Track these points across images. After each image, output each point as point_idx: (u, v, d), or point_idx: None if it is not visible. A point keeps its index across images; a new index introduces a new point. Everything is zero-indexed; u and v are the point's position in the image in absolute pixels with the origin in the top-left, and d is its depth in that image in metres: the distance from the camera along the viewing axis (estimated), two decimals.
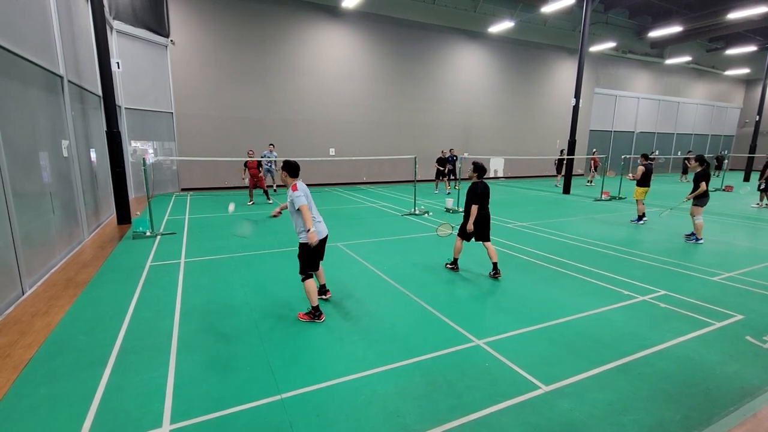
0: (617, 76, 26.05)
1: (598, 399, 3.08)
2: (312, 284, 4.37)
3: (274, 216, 4.87)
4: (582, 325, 4.33)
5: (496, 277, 5.75)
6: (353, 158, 14.88)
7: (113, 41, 11.87)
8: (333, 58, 17.27)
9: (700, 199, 8.01)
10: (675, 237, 8.56)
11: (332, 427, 2.77)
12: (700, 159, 8.13)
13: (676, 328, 4.30)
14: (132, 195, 12.70)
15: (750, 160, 23.80)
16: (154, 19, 13.66)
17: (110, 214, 10.27)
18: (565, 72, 23.53)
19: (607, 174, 15.17)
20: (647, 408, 3.00)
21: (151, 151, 14.35)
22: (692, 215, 8.12)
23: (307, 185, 4.58)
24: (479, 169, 5.73)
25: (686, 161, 22.93)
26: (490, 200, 5.82)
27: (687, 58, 26.65)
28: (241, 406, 2.97)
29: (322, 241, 4.45)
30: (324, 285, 4.94)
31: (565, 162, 16.77)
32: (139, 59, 13.32)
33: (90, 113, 9.24)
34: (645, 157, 10.04)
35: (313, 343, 3.92)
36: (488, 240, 5.86)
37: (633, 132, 27.94)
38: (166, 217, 10.23)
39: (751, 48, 25.05)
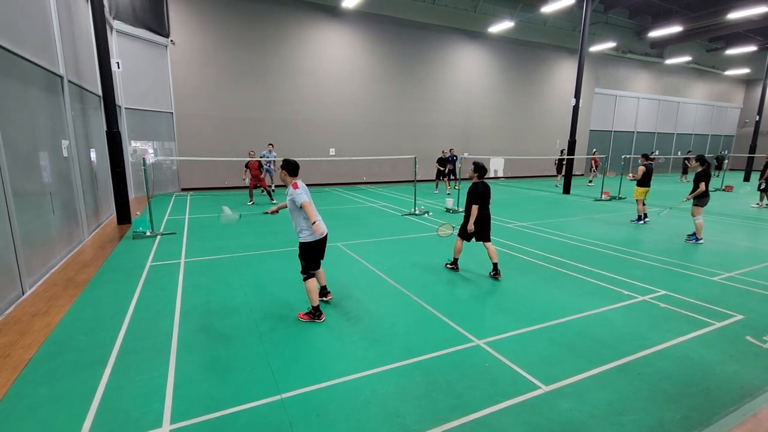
0: (617, 76, 26.05)
1: (598, 399, 3.08)
2: (313, 284, 4.37)
3: (270, 213, 4.80)
4: (582, 325, 4.33)
5: (496, 278, 5.75)
6: (353, 158, 14.89)
7: (113, 41, 11.87)
8: (333, 58, 17.27)
9: (701, 199, 8.00)
10: (675, 237, 8.56)
11: (332, 427, 2.77)
12: (700, 159, 8.13)
13: (676, 328, 4.30)
14: (132, 195, 12.70)
15: (750, 160, 23.81)
16: (154, 19, 13.66)
17: (110, 214, 10.27)
18: (565, 72, 23.53)
19: (606, 174, 15.16)
20: (647, 408, 3.00)
21: (151, 151, 14.35)
22: (693, 215, 8.13)
23: (307, 185, 4.56)
24: (480, 169, 5.72)
25: (686, 161, 22.95)
26: (490, 200, 5.82)
27: (687, 58, 26.66)
28: (241, 406, 2.97)
29: (322, 240, 4.45)
30: (324, 287, 4.92)
31: (565, 162, 16.78)
32: (139, 59, 13.32)
33: (90, 113, 9.24)
34: (646, 157, 10.04)
35: (313, 343, 3.92)
36: (489, 240, 5.86)
37: (633, 132, 27.94)
38: (166, 217, 10.23)
39: (751, 48, 25.05)
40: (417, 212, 11.00)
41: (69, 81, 7.48)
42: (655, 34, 22.18)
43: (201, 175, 15.82)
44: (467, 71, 20.59)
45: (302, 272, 4.39)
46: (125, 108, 12.81)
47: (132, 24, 12.73)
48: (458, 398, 3.07)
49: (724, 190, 17.75)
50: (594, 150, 21.19)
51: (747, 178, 23.55)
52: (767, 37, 25.21)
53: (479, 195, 5.60)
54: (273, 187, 14.82)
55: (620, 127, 27.22)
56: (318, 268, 4.55)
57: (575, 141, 16.08)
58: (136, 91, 13.34)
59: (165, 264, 6.43)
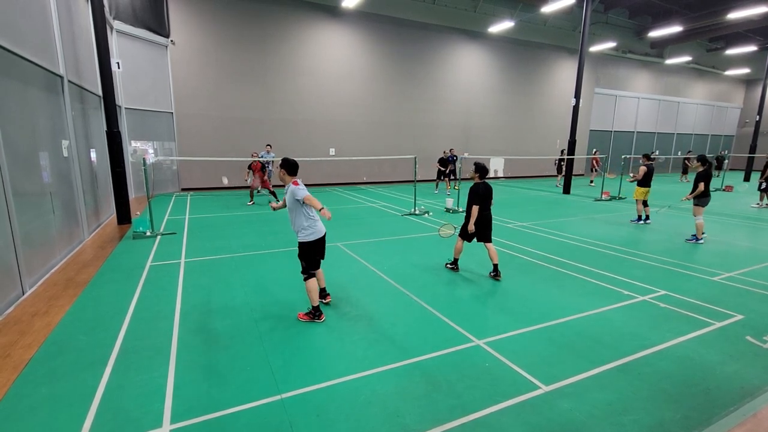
0: (617, 76, 26.05)
1: (598, 399, 3.08)
2: (314, 284, 4.37)
3: (274, 208, 4.75)
4: (582, 325, 4.33)
5: (497, 279, 5.75)
6: (353, 158, 14.88)
7: (113, 41, 11.87)
8: (333, 58, 17.27)
9: (702, 199, 8.00)
10: (675, 237, 8.56)
11: (332, 427, 2.77)
12: (701, 159, 8.13)
13: (676, 328, 4.30)
14: (132, 195, 12.70)
15: (750, 160, 23.82)
16: (154, 19, 13.66)
17: (110, 214, 10.27)
18: (565, 72, 23.53)
19: (606, 175, 15.16)
20: (647, 408, 3.00)
21: (151, 151, 14.35)
22: (694, 215, 8.12)
23: (307, 185, 4.54)
24: (481, 169, 5.72)
25: (686, 161, 22.96)
26: (492, 201, 5.82)
27: (687, 58, 26.65)
28: (241, 406, 2.97)
29: (321, 240, 4.44)
30: (324, 289, 4.88)
31: (565, 162, 16.78)
32: (139, 59, 13.32)
33: (90, 113, 9.24)
34: (646, 157, 10.03)
35: (313, 343, 3.92)
36: (489, 241, 5.85)
37: (633, 132, 27.94)
38: (166, 217, 10.23)
39: (751, 48, 25.04)
40: (417, 212, 11.00)
41: (69, 81, 7.48)
42: (655, 34, 22.18)
43: (201, 175, 15.82)
44: (467, 71, 20.59)
45: (302, 272, 4.39)
46: (125, 108, 12.81)
47: (132, 24, 12.73)
48: (458, 398, 3.07)
49: (724, 190, 17.75)
50: (595, 150, 21.19)
51: (747, 178, 23.56)
52: (767, 37, 25.21)
53: (480, 196, 5.59)
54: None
55: (620, 127, 27.22)
56: (318, 268, 4.53)
57: (575, 141, 16.08)
58: (136, 91, 13.34)
59: (165, 264, 6.43)
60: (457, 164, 14.78)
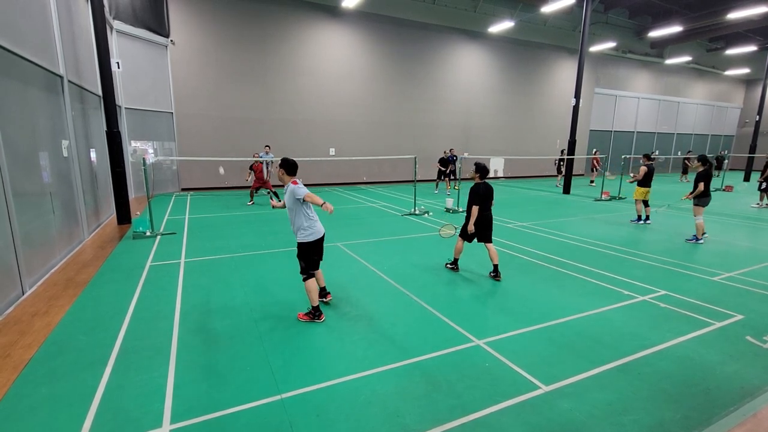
0: (617, 76, 26.05)
1: (598, 399, 3.08)
2: (313, 284, 4.36)
3: (275, 206, 4.76)
4: (582, 325, 4.33)
5: (496, 279, 5.74)
6: (353, 158, 14.89)
7: (113, 41, 11.87)
8: (333, 58, 17.27)
9: (702, 199, 8.00)
10: (675, 237, 8.56)
11: (332, 427, 2.77)
12: (702, 159, 8.13)
13: (676, 328, 4.30)
14: (132, 195, 12.71)
15: (750, 160, 23.82)
16: (154, 19, 13.66)
17: (110, 214, 10.27)
18: (565, 72, 23.53)
19: (606, 176, 15.16)
20: (647, 408, 3.00)
21: (151, 151, 14.36)
22: (694, 215, 8.12)
23: (307, 185, 4.54)
24: (481, 170, 5.71)
25: (686, 161, 22.96)
26: (493, 202, 5.81)
27: (687, 58, 26.65)
28: (241, 406, 2.97)
29: (320, 241, 4.44)
30: (324, 288, 4.89)
31: (565, 162, 16.78)
32: (139, 59, 13.33)
33: (90, 113, 9.24)
34: (647, 157, 10.02)
35: (313, 343, 3.92)
36: (490, 241, 5.85)
37: (633, 132, 27.94)
38: (166, 217, 10.23)
39: (751, 48, 25.05)
40: (417, 212, 11.00)
41: (69, 81, 7.48)
42: (655, 34, 22.18)
43: (201, 175, 15.82)
44: (467, 71, 20.59)
45: (301, 272, 4.39)
46: (125, 108, 12.81)
47: (132, 24, 12.73)
48: (458, 398, 3.07)
49: (724, 190, 17.76)
50: (595, 150, 21.19)
51: (747, 178, 23.56)
52: (767, 37, 25.21)
53: (480, 196, 5.59)
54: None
55: (620, 127, 27.23)
56: (317, 268, 4.53)
57: (575, 141, 16.08)
58: (136, 91, 13.34)
59: (165, 264, 6.43)
60: (457, 164, 14.78)
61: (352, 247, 7.49)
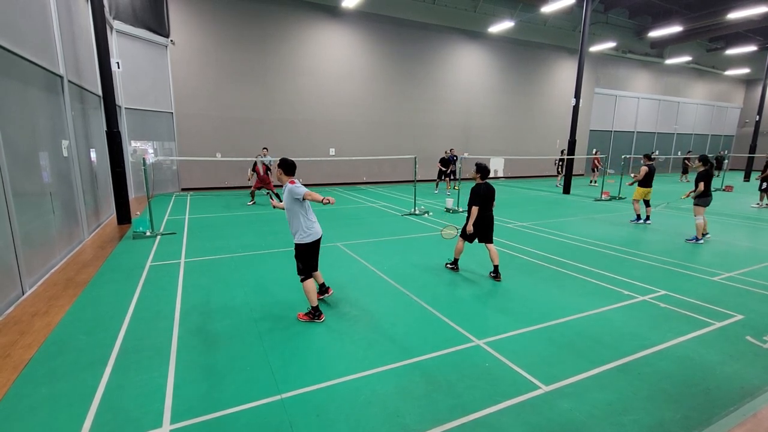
0: (617, 76, 26.05)
1: (598, 399, 3.08)
2: (311, 284, 4.36)
3: (275, 206, 4.76)
4: (582, 325, 4.33)
5: (497, 280, 5.74)
6: (353, 158, 14.88)
7: (113, 41, 11.87)
8: (333, 58, 17.27)
9: (702, 199, 7.99)
10: (675, 237, 8.55)
11: (332, 427, 2.77)
12: (703, 159, 8.13)
13: (676, 328, 4.30)
14: (132, 195, 12.71)
15: (750, 160, 23.83)
16: (154, 19, 13.66)
17: (110, 214, 10.27)
18: (565, 72, 23.53)
19: (609, 172, 15.13)
20: (647, 408, 3.00)
21: (151, 151, 14.36)
22: (695, 215, 8.12)
23: (307, 185, 4.55)
24: (482, 170, 5.70)
25: (686, 161, 22.96)
26: (494, 202, 5.80)
27: (687, 58, 26.65)
28: (241, 406, 2.97)
29: (317, 242, 4.43)
30: (323, 284, 4.90)
31: (565, 162, 16.78)
32: (139, 59, 13.33)
33: (90, 113, 9.24)
34: (647, 157, 10.01)
35: (313, 343, 3.92)
36: (491, 242, 5.84)
37: (633, 132, 27.94)
38: (166, 217, 10.23)
39: (751, 48, 25.04)
40: (417, 212, 11.00)
41: (69, 81, 7.48)
42: (655, 34, 22.18)
43: (201, 175, 15.82)
44: (467, 71, 20.59)
45: (299, 273, 4.37)
46: (125, 108, 12.81)
47: (132, 24, 12.73)
48: (458, 398, 3.07)
49: (724, 190, 17.76)
50: (595, 150, 21.19)
51: (747, 178, 23.57)
52: (767, 37, 25.21)
53: (480, 196, 5.58)
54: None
55: (620, 127, 27.23)
56: (315, 270, 4.54)
57: (575, 141, 16.08)
58: (136, 91, 13.34)
59: (165, 264, 6.43)
60: (457, 164, 14.78)
61: (352, 247, 7.48)
